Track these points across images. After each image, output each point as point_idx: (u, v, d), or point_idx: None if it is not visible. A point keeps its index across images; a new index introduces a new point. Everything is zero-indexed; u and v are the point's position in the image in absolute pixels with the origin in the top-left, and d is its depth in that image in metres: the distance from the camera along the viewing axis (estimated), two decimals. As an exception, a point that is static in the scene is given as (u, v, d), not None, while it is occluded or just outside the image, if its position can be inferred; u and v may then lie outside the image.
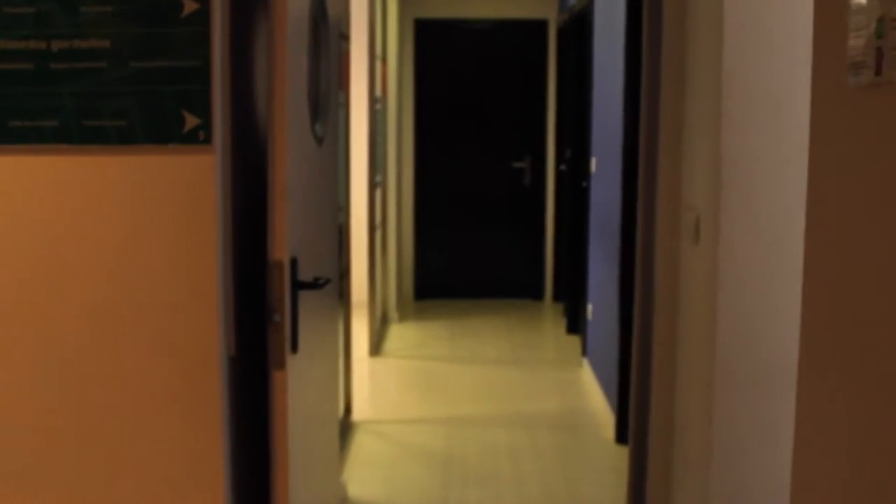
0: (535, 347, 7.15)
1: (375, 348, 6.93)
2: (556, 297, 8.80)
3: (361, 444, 5.03)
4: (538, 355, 6.93)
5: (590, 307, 6.28)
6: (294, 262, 2.32)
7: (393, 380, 6.28)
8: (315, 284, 2.39)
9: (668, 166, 3.21)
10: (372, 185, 6.73)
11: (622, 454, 4.89)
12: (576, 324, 7.47)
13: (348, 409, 5.36)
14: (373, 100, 6.59)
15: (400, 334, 7.56)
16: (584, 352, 6.49)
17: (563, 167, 8.41)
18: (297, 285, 2.33)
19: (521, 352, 6.98)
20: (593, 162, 6.17)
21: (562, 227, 8.58)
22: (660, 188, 3.26)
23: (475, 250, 8.86)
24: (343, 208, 5.35)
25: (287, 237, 2.25)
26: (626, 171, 4.91)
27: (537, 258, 8.87)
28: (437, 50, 8.74)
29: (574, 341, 7.28)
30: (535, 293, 8.90)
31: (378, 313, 7.84)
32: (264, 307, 2.29)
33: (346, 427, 5.16)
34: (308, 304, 2.53)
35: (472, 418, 5.44)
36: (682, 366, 3.19)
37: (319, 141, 2.67)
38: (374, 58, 6.72)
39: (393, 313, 7.96)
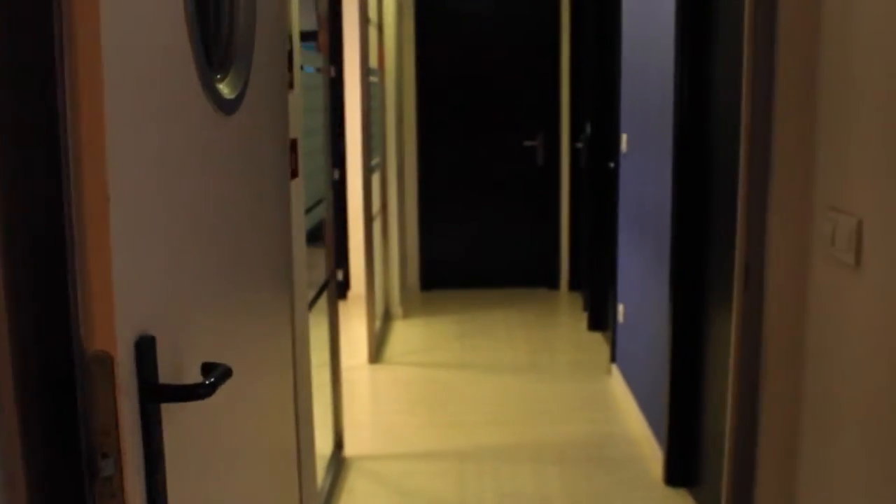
0: (556, 348, 5.89)
1: (375, 354, 5.67)
2: (573, 286, 7.53)
3: (354, 490, 3.78)
4: (559, 358, 5.67)
5: (621, 307, 5.02)
6: (146, 348, 1.07)
7: (395, 396, 5.02)
8: (196, 389, 1.12)
9: (793, 144, 1.95)
10: (367, 169, 5.46)
11: (676, 500, 3.65)
12: (599, 320, 6.22)
13: (339, 443, 4.11)
14: (366, 71, 5.31)
15: (404, 334, 6.30)
16: (614, 357, 5.23)
17: (579, 145, 7.13)
18: (154, 395, 1.08)
19: (540, 355, 5.72)
20: (623, 139, 4.89)
21: (578, 210, 7.31)
22: (776, 177, 2.00)
23: (484, 236, 7.58)
24: (325, 198, 4.10)
25: (116, 303, 0.99)
26: (679, 150, 3.63)
27: (552, 244, 7.58)
28: (439, 19, 7.41)
29: (597, 340, 6.03)
30: (550, 282, 7.63)
31: (380, 310, 6.58)
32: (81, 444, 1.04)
33: (336, 466, 3.91)
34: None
35: (488, 450, 4.19)
36: (822, 447, 1.94)
37: (229, 107, 1.42)
38: (367, 22, 5.43)
39: (396, 308, 6.70)
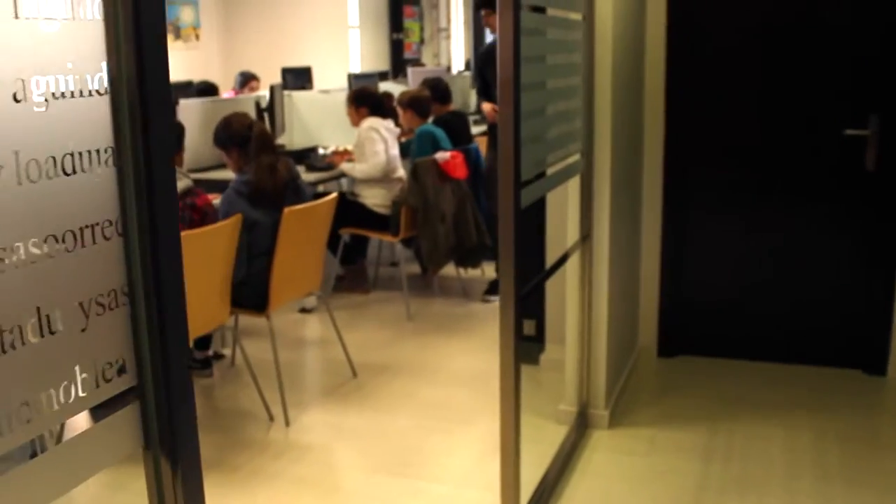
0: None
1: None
2: (915, 375, 4.22)
3: None
4: None
5: None
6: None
7: None
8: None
9: None
10: (514, 168, 2.54)
11: None
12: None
13: None
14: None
15: (598, 471, 3.36)
16: None
17: (948, 142, 3.80)
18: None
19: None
20: None
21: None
22: None
23: (767, 277, 4.39)
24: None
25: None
26: None
27: (879, 299, 4.27)
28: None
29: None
30: (871, 362, 4.30)
31: (573, 406, 3.68)
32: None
33: None
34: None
35: None
36: None
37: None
38: None
39: (599, 410, 3.74)
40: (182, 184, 3.63)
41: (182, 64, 10.09)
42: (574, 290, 3.62)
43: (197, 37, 10.47)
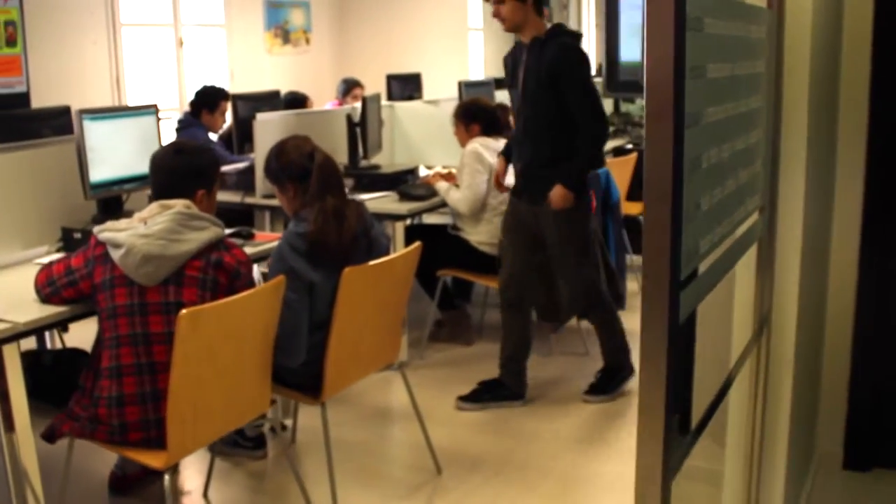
0: None
1: None
2: None
3: None
4: None
5: None
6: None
7: None
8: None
9: None
10: (670, 275, 1.44)
11: None
12: None
13: None
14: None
15: None
16: None
17: None
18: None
19: None
20: None
21: None
22: None
23: None
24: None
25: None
26: None
27: None
28: None
29: None
30: None
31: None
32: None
33: None
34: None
35: None
36: None
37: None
38: None
39: (772, 565, 2.60)
40: (206, 234, 2.64)
41: (291, 70, 9.27)
42: (742, 395, 2.47)
43: (307, 41, 9.64)
